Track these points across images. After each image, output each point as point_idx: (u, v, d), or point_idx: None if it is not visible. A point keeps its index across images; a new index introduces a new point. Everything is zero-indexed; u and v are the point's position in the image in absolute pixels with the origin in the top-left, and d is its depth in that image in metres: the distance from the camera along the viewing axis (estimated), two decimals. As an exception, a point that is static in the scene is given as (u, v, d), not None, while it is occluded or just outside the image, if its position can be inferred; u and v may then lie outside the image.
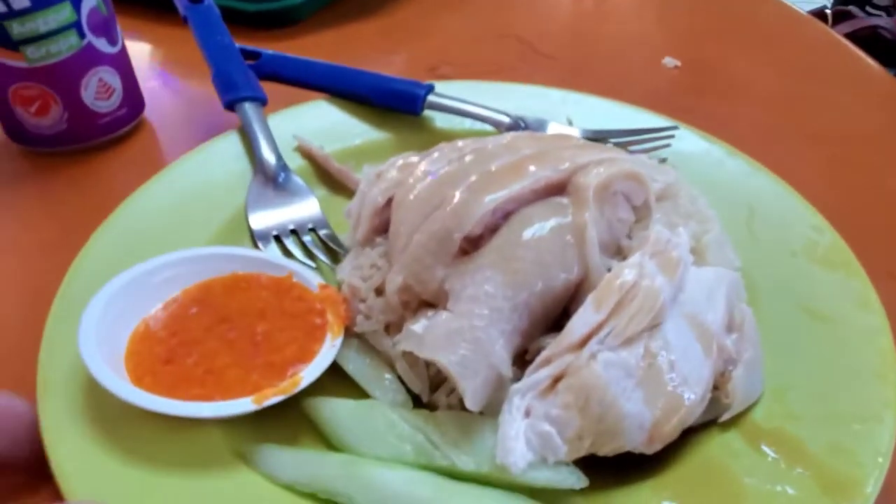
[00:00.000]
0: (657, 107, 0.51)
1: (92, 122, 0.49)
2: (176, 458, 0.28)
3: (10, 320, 0.38)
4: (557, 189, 0.32)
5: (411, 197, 0.33)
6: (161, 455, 0.28)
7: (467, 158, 0.34)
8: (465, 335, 0.28)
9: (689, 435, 0.29)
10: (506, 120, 0.47)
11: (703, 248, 0.34)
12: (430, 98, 0.48)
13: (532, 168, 0.32)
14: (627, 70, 0.64)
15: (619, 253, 0.33)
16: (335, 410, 0.31)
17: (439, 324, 0.29)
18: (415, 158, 0.38)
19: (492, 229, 0.31)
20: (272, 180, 0.43)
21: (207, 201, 0.41)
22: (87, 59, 0.47)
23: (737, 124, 0.55)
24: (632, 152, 0.45)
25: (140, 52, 0.63)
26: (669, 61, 0.63)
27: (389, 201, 0.35)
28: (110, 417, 0.29)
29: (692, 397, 0.28)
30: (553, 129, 0.47)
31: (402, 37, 0.68)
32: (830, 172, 0.51)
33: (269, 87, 0.50)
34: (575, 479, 0.27)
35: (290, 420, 0.32)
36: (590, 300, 0.29)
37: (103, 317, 0.31)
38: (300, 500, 0.27)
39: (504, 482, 0.27)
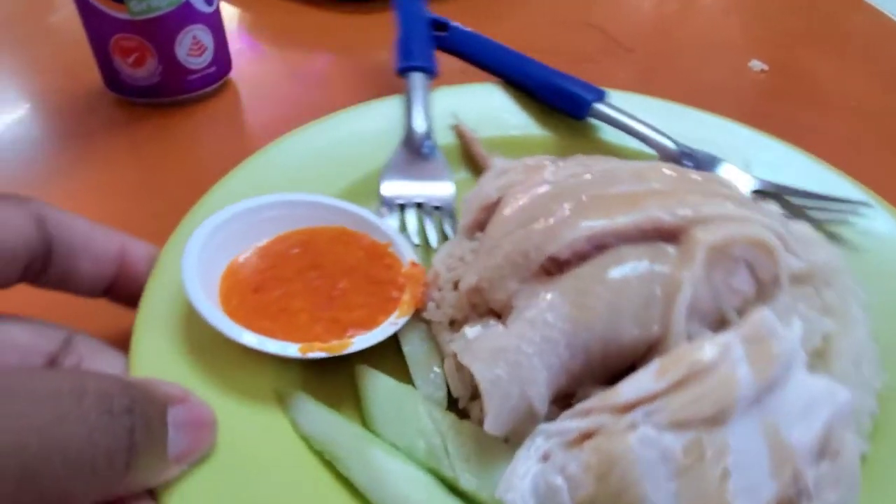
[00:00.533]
0: (740, 110, 0.48)
1: (183, 77, 0.53)
2: (226, 381, 0.30)
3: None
4: (669, 236, 0.29)
5: (518, 202, 0.32)
6: (214, 374, 0.30)
7: (588, 176, 0.32)
8: (508, 356, 0.27)
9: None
10: (672, 147, 0.43)
11: (831, 352, 0.28)
12: (598, 106, 0.45)
13: (649, 205, 0.29)
14: (711, 70, 0.61)
15: (722, 326, 0.29)
16: (375, 383, 0.31)
17: (491, 336, 0.28)
18: (546, 163, 0.36)
19: (581, 257, 0.29)
20: (416, 151, 0.44)
21: (347, 158, 0.43)
22: (185, 16, 0.50)
23: (822, 132, 0.53)
24: (808, 218, 0.39)
25: (230, 14, 0.67)
26: (756, 64, 0.61)
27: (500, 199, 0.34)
28: (194, 333, 0.32)
29: (738, 513, 0.24)
30: (725, 171, 0.42)
31: (485, 17, 0.68)
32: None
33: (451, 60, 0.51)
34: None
35: (340, 382, 0.32)
36: (654, 365, 0.25)
37: (212, 237, 0.34)
38: (308, 454, 0.28)
39: (498, 515, 0.26)
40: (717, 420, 0.24)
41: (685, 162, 0.42)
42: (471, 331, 0.29)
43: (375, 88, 0.54)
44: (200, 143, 0.46)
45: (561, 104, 0.46)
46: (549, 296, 0.28)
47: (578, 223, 0.29)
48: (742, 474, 0.24)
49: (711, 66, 0.63)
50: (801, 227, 0.34)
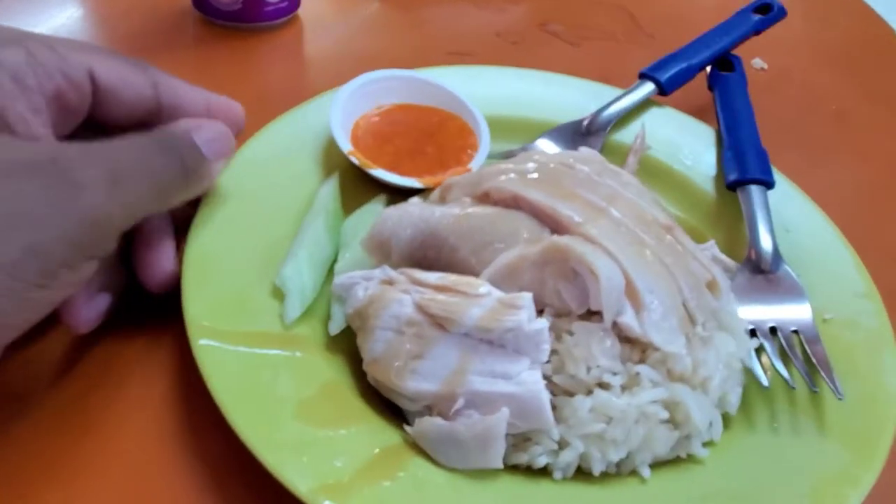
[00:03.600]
0: None
1: (260, 7, 0.61)
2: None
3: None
4: (556, 226, 0.35)
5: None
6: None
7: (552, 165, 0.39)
8: (412, 212, 0.38)
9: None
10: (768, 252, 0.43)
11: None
12: (750, 188, 0.46)
13: (572, 195, 0.36)
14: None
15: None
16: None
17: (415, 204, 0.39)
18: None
19: (500, 202, 0.38)
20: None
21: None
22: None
23: (799, 132, 0.61)
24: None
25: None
26: (757, 62, 0.65)
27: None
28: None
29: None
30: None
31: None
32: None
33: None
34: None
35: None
36: (452, 275, 0.34)
37: (350, 97, 0.47)
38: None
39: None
40: (440, 324, 0.33)
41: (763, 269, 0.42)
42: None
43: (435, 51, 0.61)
44: (266, 70, 0.55)
45: (728, 163, 0.49)
46: (460, 204, 0.37)
47: (516, 184, 0.37)
48: (426, 366, 0.32)
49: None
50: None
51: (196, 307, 0.35)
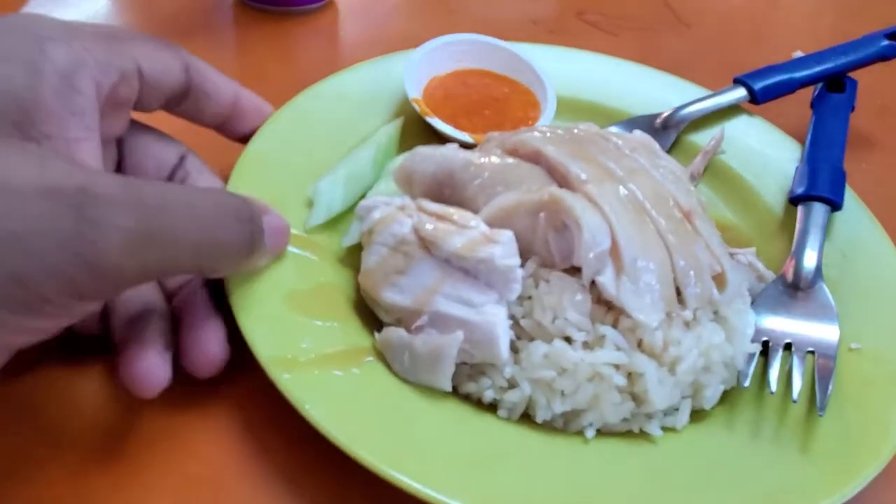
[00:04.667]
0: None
1: None
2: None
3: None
4: (563, 181, 0.36)
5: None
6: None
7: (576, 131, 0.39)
8: (435, 153, 0.40)
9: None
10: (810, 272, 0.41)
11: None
12: (813, 205, 0.44)
13: (586, 157, 0.36)
14: (755, 54, 0.62)
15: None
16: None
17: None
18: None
19: (521, 154, 0.39)
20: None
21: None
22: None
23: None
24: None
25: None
26: (799, 55, 0.59)
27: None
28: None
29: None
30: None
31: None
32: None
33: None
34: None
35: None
36: (454, 208, 0.36)
37: (431, 53, 0.51)
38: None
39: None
40: (425, 246, 0.35)
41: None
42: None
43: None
44: (302, 53, 0.57)
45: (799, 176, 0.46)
46: (488, 153, 0.39)
47: (540, 141, 0.38)
48: (405, 282, 0.35)
49: (757, 51, 0.66)
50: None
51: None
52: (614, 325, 0.33)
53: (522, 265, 0.35)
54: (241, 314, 0.34)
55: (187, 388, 0.34)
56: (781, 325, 0.39)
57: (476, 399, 0.34)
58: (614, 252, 0.34)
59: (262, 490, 0.32)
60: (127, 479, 0.32)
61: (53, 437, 0.33)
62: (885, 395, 0.35)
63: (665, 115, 0.52)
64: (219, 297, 0.35)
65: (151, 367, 0.31)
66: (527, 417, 0.34)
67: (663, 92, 0.54)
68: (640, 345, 0.33)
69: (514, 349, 0.34)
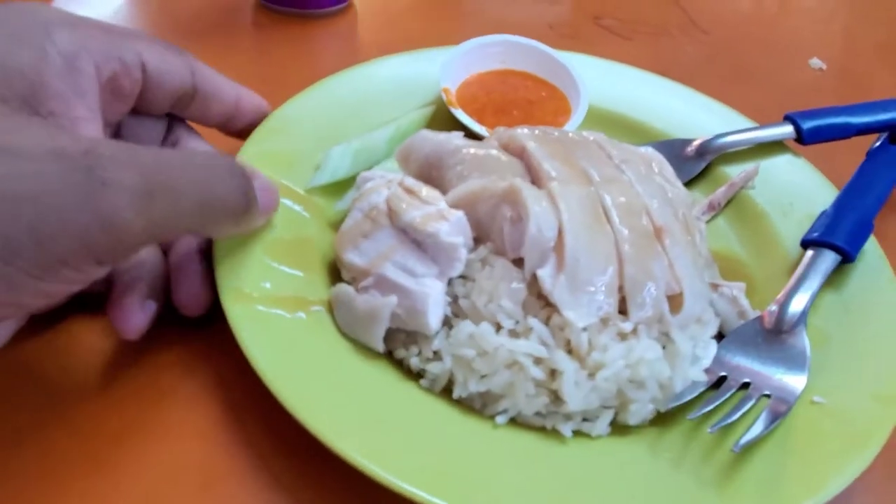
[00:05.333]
0: (789, 98, 0.55)
1: None
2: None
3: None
4: (535, 177, 0.36)
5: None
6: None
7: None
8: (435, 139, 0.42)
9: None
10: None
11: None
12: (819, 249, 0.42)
13: (570, 159, 0.37)
14: (771, 60, 0.66)
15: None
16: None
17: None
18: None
19: (508, 149, 0.40)
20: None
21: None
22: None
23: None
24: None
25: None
26: (816, 62, 0.66)
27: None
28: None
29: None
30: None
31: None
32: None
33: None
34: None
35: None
36: (426, 188, 0.38)
37: (475, 50, 0.53)
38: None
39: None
40: (389, 215, 0.37)
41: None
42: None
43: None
44: (321, 56, 0.58)
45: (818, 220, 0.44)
46: (485, 146, 0.41)
47: (527, 138, 0.39)
48: (365, 246, 0.37)
49: (773, 57, 0.68)
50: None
51: (253, 148, 0.44)
52: (546, 321, 0.34)
53: (476, 249, 0.36)
54: (218, 246, 0.37)
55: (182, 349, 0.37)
56: (746, 363, 0.37)
57: (406, 367, 0.36)
58: (559, 249, 0.34)
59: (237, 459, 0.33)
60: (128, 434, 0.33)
61: (58, 393, 0.34)
62: (830, 455, 0.33)
63: (701, 140, 0.51)
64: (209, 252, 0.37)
65: (131, 310, 0.33)
66: (448, 394, 0.35)
67: (706, 117, 0.53)
68: (567, 345, 0.33)
69: (449, 325, 0.35)
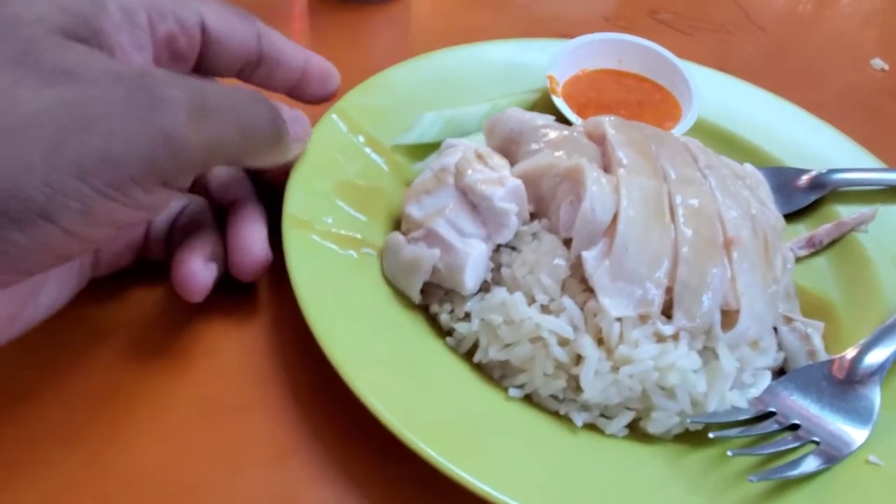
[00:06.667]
0: (852, 100, 0.56)
1: None
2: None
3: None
4: (606, 167, 0.35)
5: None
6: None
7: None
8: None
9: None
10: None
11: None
12: None
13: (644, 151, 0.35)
14: (832, 60, 0.65)
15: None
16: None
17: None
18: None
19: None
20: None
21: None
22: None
23: None
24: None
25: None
26: (878, 63, 0.64)
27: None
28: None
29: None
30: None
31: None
32: None
33: None
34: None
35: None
36: (497, 156, 0.38)
37: (592, 45, 0.52)
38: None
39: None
40: (455, 176, 0.37)
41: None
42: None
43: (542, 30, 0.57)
44: (375, 43, 0.57)
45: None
46: (570, 129, 0.40)
47: (611, 125, 0.38)
48: (426, 200, 0.37)
49: (833, 57, 0.66)
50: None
51: (353, 99, 0.46)
52: (582, 306, 0.33)
53: (531, 222, 0.36)
54: (293, 177, 0.39)
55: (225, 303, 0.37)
56: (802, 403, 0.34)
57: (438, 324, 0.36)
58: (610, 234, 0.33)
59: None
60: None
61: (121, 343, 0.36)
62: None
63: (816, 173, 0.47)
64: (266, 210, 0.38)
65: (196, 272, 0.33)
66: (471, 357, 0.35)
67: (831, 152, 0.48)
68: (598, 333, 0.32)
69: (487, 290, 0.35)
